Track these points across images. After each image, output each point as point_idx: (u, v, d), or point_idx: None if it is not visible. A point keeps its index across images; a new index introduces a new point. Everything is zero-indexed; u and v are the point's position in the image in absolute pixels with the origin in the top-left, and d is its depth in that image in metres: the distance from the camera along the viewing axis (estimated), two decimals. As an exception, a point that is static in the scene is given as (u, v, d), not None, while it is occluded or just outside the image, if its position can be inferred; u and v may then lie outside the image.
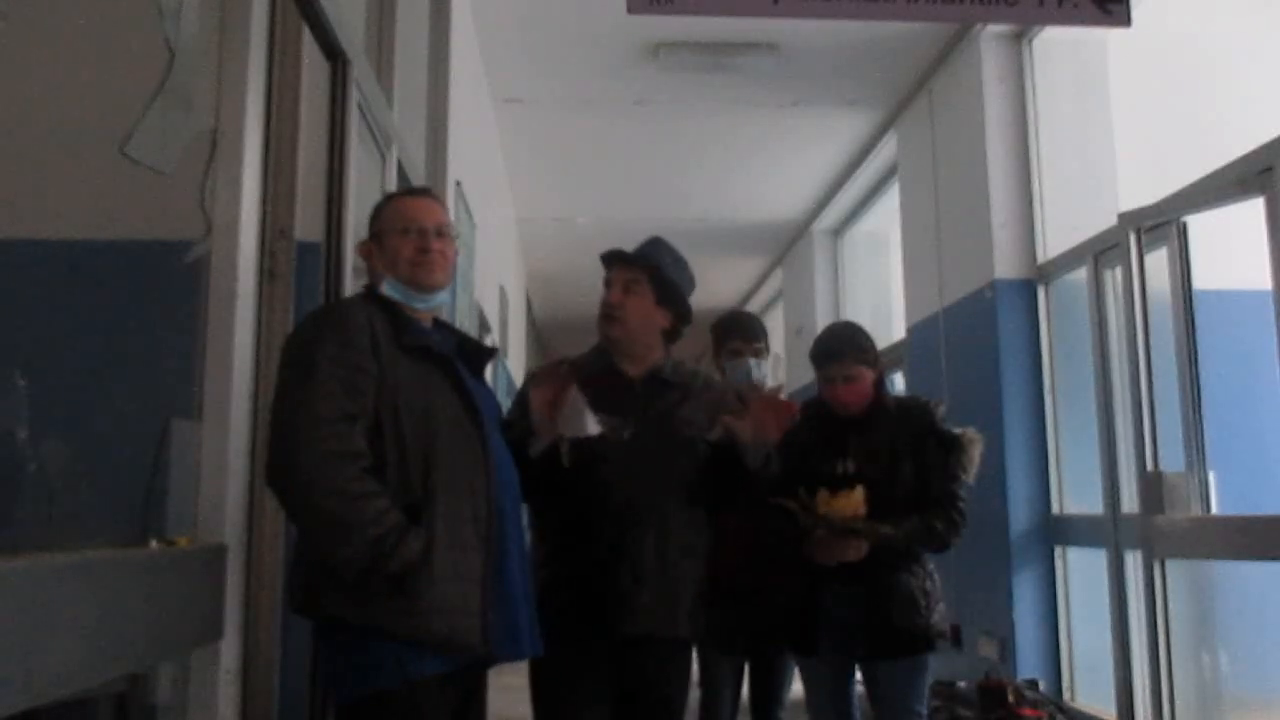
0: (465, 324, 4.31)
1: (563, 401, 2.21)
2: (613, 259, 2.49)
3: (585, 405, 2.21)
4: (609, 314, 2.44)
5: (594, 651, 2.29)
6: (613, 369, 2.45)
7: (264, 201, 2.09)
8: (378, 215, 2.11)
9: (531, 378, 2.48)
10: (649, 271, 2.44)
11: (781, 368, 9.30)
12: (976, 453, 2.78)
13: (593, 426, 2.20)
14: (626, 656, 2.31)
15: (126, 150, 1.89)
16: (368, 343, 1.88)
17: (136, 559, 1.64)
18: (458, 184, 4.38)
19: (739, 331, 3.15)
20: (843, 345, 2.82)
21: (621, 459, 2.31)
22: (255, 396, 2.04)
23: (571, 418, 2.19)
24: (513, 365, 7.44)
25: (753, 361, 3.07)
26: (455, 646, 1.86)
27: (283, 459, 1.80)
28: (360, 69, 2.70)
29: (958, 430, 2.80)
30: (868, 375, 2.79)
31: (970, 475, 2.77)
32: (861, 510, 2.60)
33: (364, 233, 2.19)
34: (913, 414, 2.82)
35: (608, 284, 2.46)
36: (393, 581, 1.79)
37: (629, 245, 2.55)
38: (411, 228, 2.03)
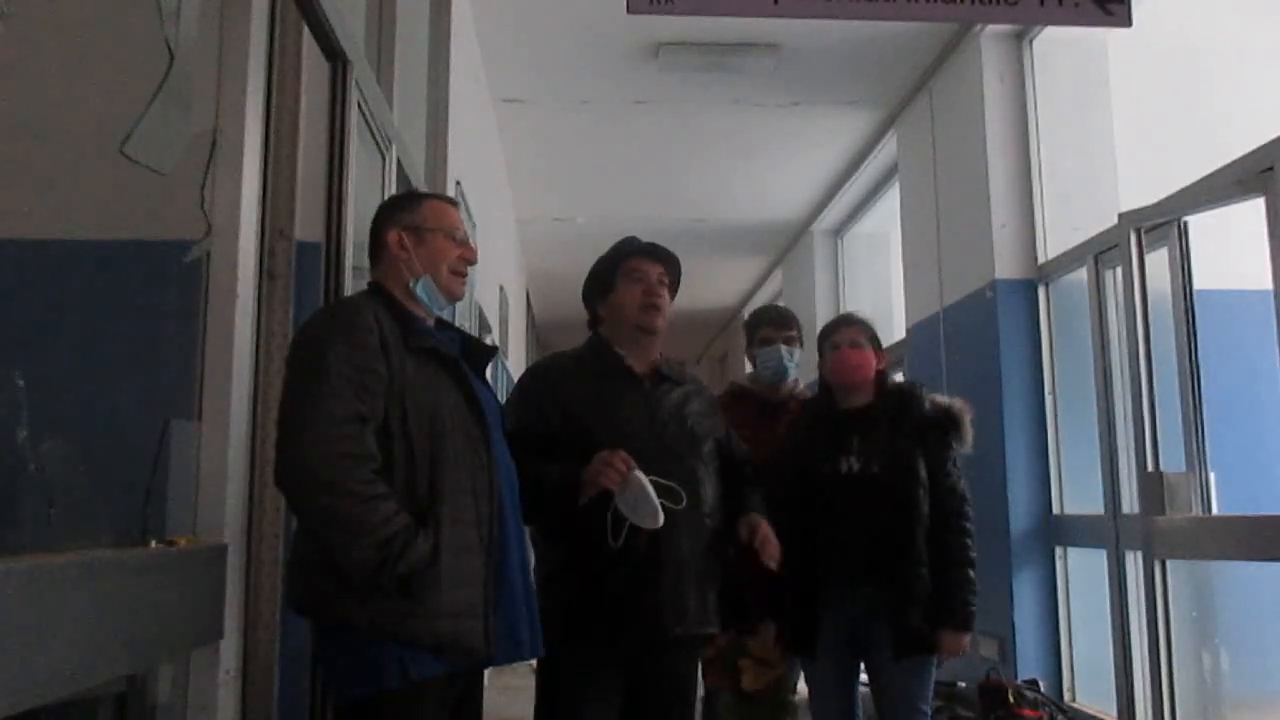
0: (465, 324, 4.31)
1: (624, 481, 2.21)
2: (644, 251, 2.51)
3: (658, 499, 2.21)
4: (656, 304, 2.45)
5: (618, 650, 2.30)
6: (620, 364, 2.45)
7: (264, 201, 2.09)
8: (412, 209, 2.11)
9: (535, 376, 2.49)
10: (669, 269, 2.50)
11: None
12: (968, 423, 2.81)
13: (660, 519, 2.20)
14: (649, 653, 2.32)
15: (126, 150, 1.89)
16: (377, 343, 1.87)
17: (136, 559, 1.64)
18: (458, 184, 4.38)
19: (768, 320, 3.22)
20: (852, 316, 3.00)
21: (651, 462, 2.28)
22: (255, 396, 2.04)
23: (640, 506, 2.19)
24: (513, 365, 7.44)
25: (784, 349, 3.11)
26: (459, 649, 1.86)
27: (293, 459, 1.80)
28: (360, 69, 2.70)
29: (943, 400, 2.83)
30: (870, 353, 2.86)
31: (968, 445, 2.79)
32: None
33: (364, 233, 2.19)
34: (904, 400, 2.85)
35: (642, 275, 2.46)
36: (400, 584, 1.79)
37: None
38: (458, 237, 2.10)
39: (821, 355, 2.93)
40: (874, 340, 2.90)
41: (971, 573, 2.71)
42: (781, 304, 9.74)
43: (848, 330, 2.90)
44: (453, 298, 2.11)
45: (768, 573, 2.69)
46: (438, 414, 1.90)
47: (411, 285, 2.03)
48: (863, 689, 2.89)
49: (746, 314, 7.92)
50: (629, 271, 2.47)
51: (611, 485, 2.19)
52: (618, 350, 2.46)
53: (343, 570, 1.78)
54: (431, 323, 2.09)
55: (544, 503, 2.23)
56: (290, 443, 1.81)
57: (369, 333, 1.88)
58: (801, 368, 3.20)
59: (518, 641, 1.98)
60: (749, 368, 3.33)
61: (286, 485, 1.84)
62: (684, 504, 2.25)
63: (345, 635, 1.84)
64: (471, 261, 2.12)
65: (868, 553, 2.69)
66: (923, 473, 2.73)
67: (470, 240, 2.15)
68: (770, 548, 2.37)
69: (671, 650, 2.33)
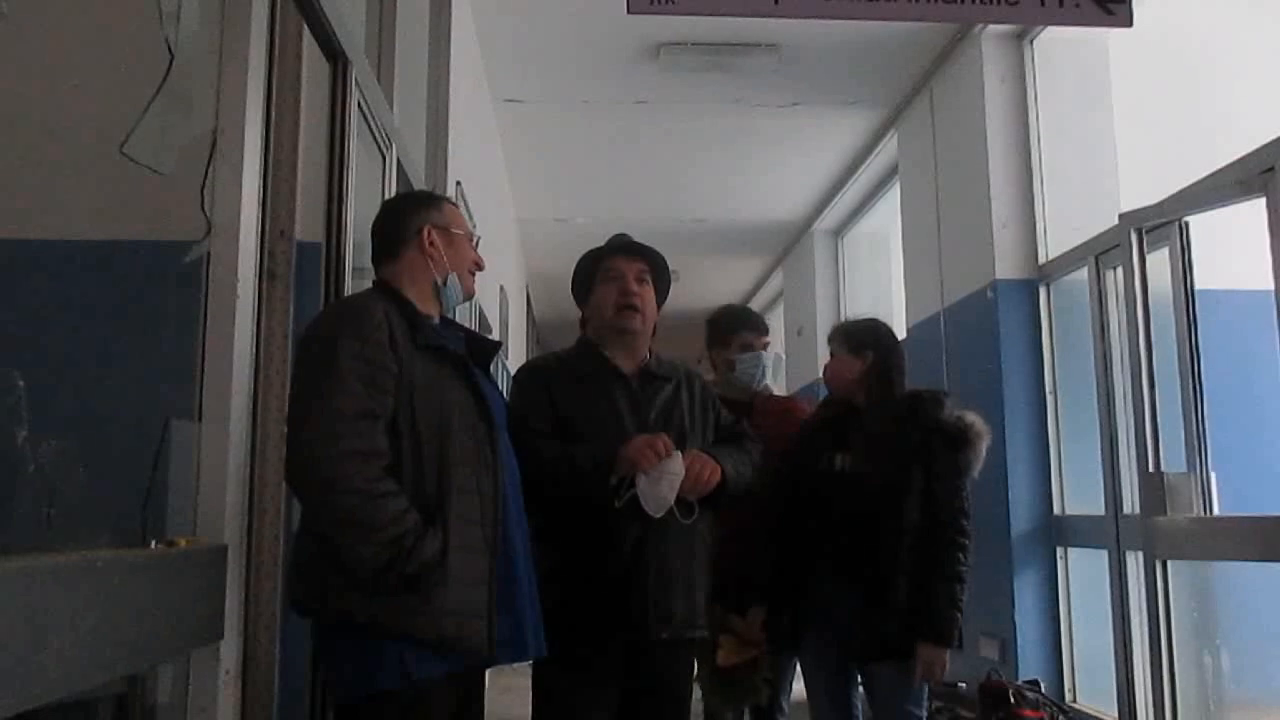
0: (466, 324, 4.30)
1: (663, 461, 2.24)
2: (621, 249, 2.48)
3: (674, 501, 2.25)
4: (631, 304, 2.41)
5: (609, 653, 2.29)
6: (607, 365, 2.43)
7: (264, 201, 2.09)
8: (441, 208, 2.16)
9: (532, 371, 2.50)
10: (651, 264, 2.46)
11: (782, 368, 9.28)
12: (983, 447, 2.79)
13: (658, 513, 2.23)
14: (642, 656, 2.31)
15: (126, 150, 1.89)
16: (386, 340, 1.88)
17: (136, 559, 1.63)
18: (458, 184, 4.37)
19: (749, 325, 3.14)
20: (834, 330, 3.00)
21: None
22: (255, 396, 2.03)
23: (655, 491, 2.22)
24: (513, 365, 7.43)
25: (764, 355, 3.07)
26: (463, 648, 1.86)
27: (303, 456, 1.80)
28: (360, 69, 2.70)
29: (960, 413, 2.80)
30: (845, 358, 2.86)
31: (975, 470, 2.78)
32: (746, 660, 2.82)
33: (365, 233, 2.19)
34: (921, 407, 2.82)
35: (618, 274, 2.44)
36: (408, 582, 1.79)
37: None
38: (471, 240, 2.16)
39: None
40: (852, 342, 2.88)
41: (958, 587, 2.65)
42: (783, 305, 9.75)
43: (830, 341, 2.94)
44: (469, 297, 2.17)
45: (762, 562, 2.68)
46: (445, 412, 1.91)
47: (441, 282, 2.07)
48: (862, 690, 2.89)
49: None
50: (605, 271, 2.46)
51: (645, 466, 2.20)
52: (604, 351, 2.45)
53: (350, 568, 1.78)
54: (436, 320, 2.09)
55: (569, 481, 2.24)
56: (300, 440, 1.81)
57: (379, 329, 1.88)
58: (773, 369, 3.17)
59: (522, 641, 1.98)
60: (712, 369, 3.23)
61: (296, 482, 1.84)
62: (691, 519, 2.27)
63: (347, 634, 1.84)
64: (481, 268, 2.19)
65: (852, 554, 2.68)
66: (919, 481, 2.70)
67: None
68: (697, 472, 2.28)
69: (661, 652, 2.33)
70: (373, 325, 1.88)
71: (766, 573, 2.79)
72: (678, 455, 2.24)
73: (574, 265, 2.57)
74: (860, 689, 2.89)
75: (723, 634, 2.80)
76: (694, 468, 2.27)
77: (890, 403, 2.81)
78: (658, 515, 2.22)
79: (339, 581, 1.81)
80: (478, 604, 1.88)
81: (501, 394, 2.23)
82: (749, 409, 3.04)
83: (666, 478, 2.22)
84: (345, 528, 1.77)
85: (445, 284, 2.07)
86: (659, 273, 2.49)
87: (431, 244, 2.07)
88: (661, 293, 2.51)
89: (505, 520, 1.96)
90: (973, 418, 2.80)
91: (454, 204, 2.28)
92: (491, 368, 2.23)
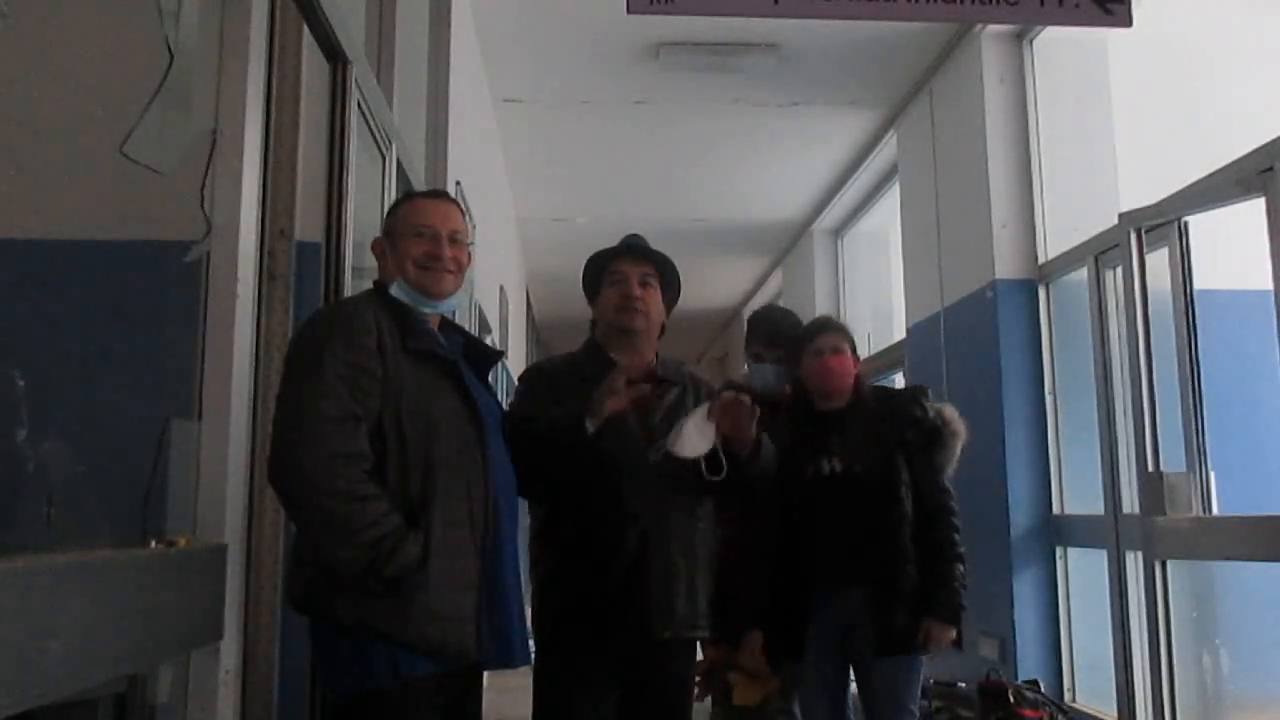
0: (465, 324, 4.30)
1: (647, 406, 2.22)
2: (627, 252, 2.48)
3: (714, 433, 2.23)
4: (633, 306, 2.41)
5: (609, 652, 2.29)
6: (611, 367, 2.43)
7: (264, 201, 2.09)
8: (393, 213, 2.13)
9: (537, 372, 2.50)
10: (658, 268, 2.46)
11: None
12: (958, 446, 2.80)
13: (688, 452, 2.21)
14: (643, 655, 2.31)
15: (126, 150, 1.89)
16: (374, 344, 1.87)
17: (136, 559, 1.64)
18: (458, 184, 4.38)
19: (762, 337, 3.11)
20: (833, 321, 3.00)
21: (645, 466, 2.28)
22: (255, 396, 2.04)
23: (695, 438, 2.20)
24: (513, 366, 7.44)
25: (771, 370, 3.03)
26: (448, 653, 1.86)
27: (285, 457, 1.80)
28: (360, 69, 2.70)
29: (937, 405, 2.83)
30: (850, 358, 2.87)
31: (950, 469, 2.79)
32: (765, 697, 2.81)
33: (364, 233, 2.19)
34: (895, 404, 2.86)
35: (621, 278, 2.44)
36: (389, 584, 1.79)
37: (629, 245, 2.54)
38: (425, 232, 2.04)
39: (805, 348, 2.91)
40: (853, 346, 2.91)
41: (960, 567, 2.71)
42: (782, 304, 9.74)
43: (830, 336, 2.88)
44: (430, 294, 2.03)
45: (755, 578, 2.67)
46: (432, 416, 1.90)
47: (392, 292, 2.03)
48: (853, 688, 2.89)
49: (748, 312, 7.86)
50: (610, 274, 2.47)
51: (616, 407, 2.20)
52: (611, 354, 2.45)
53: (333, 569, 1.79)
54: (436, 324, 2.08)
55: (551, 445, 2.21)
56: (283, 441, 1.81)
57: (366, 333, 1.88)
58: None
59: (509, 647, 1.98)
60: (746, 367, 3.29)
61: (278, 483, 1.84)
62: (719, 477, 2.25)
63: (337, 633, 1.84)
64: (436, 255, 2.02)
65: (853, 552, 2.69)
66: (905, 472, 2.73)
67: (466, 239, 2.13)
68: (733, 410, 2.27)
69: (663, 652, 2.32)
70: (360, 329, 1.88)
71: (763, 594, 2.78)
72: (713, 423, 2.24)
73: (573, 265, 2.57)
74: (851, 688, 2.89)
75: (731, 673, 2.80)
76: (738, 408, 2.27)
77: (873, 402, 2.84)
78: (690, 456, 2.20)
79: (326, 581, 1.81)
80: (464, 607, 1.87)
81: (498, 400, 2.22)
82: (779, 405, 3.03)
83: (708, 431, 2.21)
84: (325, 529, 1.78)
85: (394, 291, 2.02)
86: (667, 277, 2.48)
87: (381, 254, 2.09)
88: (670, 298, 2.50)
89: (496, 524, 1.96)
90: (950, 413, 2.82)
91: (420, 197, 2.23)
92: (490, 375, 2.23)
